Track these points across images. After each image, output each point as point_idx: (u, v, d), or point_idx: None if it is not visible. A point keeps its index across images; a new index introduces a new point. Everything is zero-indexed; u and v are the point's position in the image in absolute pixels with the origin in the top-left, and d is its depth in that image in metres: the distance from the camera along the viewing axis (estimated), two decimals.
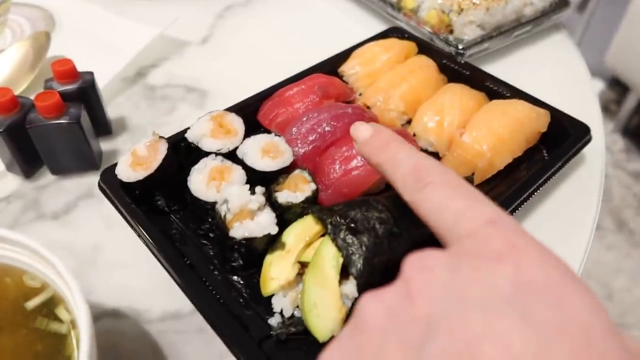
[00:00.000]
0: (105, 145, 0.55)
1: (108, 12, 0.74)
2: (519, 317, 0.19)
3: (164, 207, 0.46)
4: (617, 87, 1.98)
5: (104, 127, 0.55)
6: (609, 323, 0.20)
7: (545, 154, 0.54)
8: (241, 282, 0.42)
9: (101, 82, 0.60)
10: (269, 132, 0.50)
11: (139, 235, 0.42)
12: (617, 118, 1.89)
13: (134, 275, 0.44)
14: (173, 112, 0.60)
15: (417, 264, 0.23)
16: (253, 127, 0.53)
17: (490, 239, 0.22)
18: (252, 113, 0.54)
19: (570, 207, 0.51)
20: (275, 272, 0.39)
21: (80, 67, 0.53)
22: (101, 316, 0.41)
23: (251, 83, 0.56)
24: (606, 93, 2.05)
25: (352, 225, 0.38)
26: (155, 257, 0.41)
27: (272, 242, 0.40)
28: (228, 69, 0.68)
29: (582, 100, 0.64)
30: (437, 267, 0.22)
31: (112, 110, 0.59)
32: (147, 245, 0.41)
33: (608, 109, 1.98)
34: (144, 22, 0.70)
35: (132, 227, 0.43)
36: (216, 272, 0.42)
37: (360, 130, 0.31)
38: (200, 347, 0.40)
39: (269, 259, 0.40)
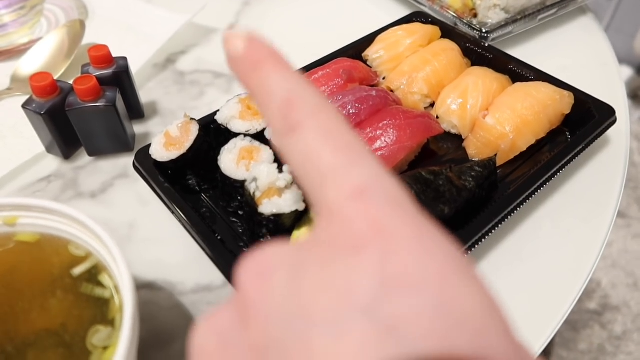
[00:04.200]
0: (138, 128, 0.57)
1: (139, 1, 0.76)
2: (384, 334, 0.14)
3: (195, 187, 0.48)
4: None
5: (136, 110, 0.58)
6: (507, 325, 0.15)
7: (569, 136, 0.54)
8: None
9: (133, 68, 0.62)
10: None
11: (173, 212, 0.44)
12: None
13: (167, 250, 0.46)
14: (202, 97, 0.62)
15: (252, 268, 0.17)
16: None
17: (352, 217, 0.16)
18: None
19: (593, 189, 0.51)
20: None
21: (114, 54, 0.55)
22: (138, 289, 0.43)
23: None
24: (635, 79, 2.00)
25: None
26: (189, 232, 0.43)
27: (299, 219, 0.42)
28: None
29: (607, 83, 0.64)
30: (277, 269, 0.17)
31: (144, 95, 0.62)
32: (180, 222, 0.43)
33: (637, 96, 1.94)
34: (173, 9, 0.72)
35: (165, 204, 0.45)
36: (245, 249, 0.44)
37: (231, 42, 0.21)
38: None
39: (296, 234, 0.42)
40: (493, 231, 0.43)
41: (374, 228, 0.16)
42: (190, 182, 0.48)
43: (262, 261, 0.17)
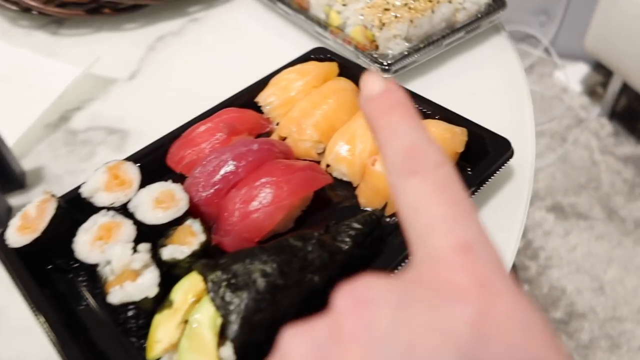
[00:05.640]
0: (17, 200, 0.54)
1: (37, 55, 0.73)
2: None
3: (65, 267, 0.45)
4: (603, 69, 1.93)
5: (14, 181, 0.54)
6: None
7: (470, 172, 0.51)
8: (139, 342, 0.40)
9: (19, 131, 0.59)
10: (177, 176, 0.48)
11: (27, 303, 0.40)
12: (604, 101, 1.85)
13: (35, 341, 0.42)
14: (92, 158, 0.59)
15: (353, 295, 0.19)
16: (165, 172, 0.51)
17: (456, 270, 0.18)
18: (162, 155, 0.52)
19: (493, 225, 0.48)
20: (161, 334, 0.37)
21: (2, 115, 0.52)
22: None
23: (175, 120, 0.54)
24: (592, 76, 2.00)
25: (233, 281, 0.36)
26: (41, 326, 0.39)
27: (159, 302, 0.39)
28: (154, 105, 0.66)
29: (516, 106, 0.62)
30: (380, 302, 0.18)
31: (30, 160, 0.58)
32: (33, 314, 0.40)
33: (594, 93, 1.94)
34: (77, 60, 0.69)
35: (21, 293, 0.41)
36: (114, 336, 0.41)
37: (369, 84, 0.24)
38: None
39: (157, 319, 0.38)
40: None
41: (476, 283, 0.18)
42: (58, 262, 0.45)
43: (363, 291, 0.19)
